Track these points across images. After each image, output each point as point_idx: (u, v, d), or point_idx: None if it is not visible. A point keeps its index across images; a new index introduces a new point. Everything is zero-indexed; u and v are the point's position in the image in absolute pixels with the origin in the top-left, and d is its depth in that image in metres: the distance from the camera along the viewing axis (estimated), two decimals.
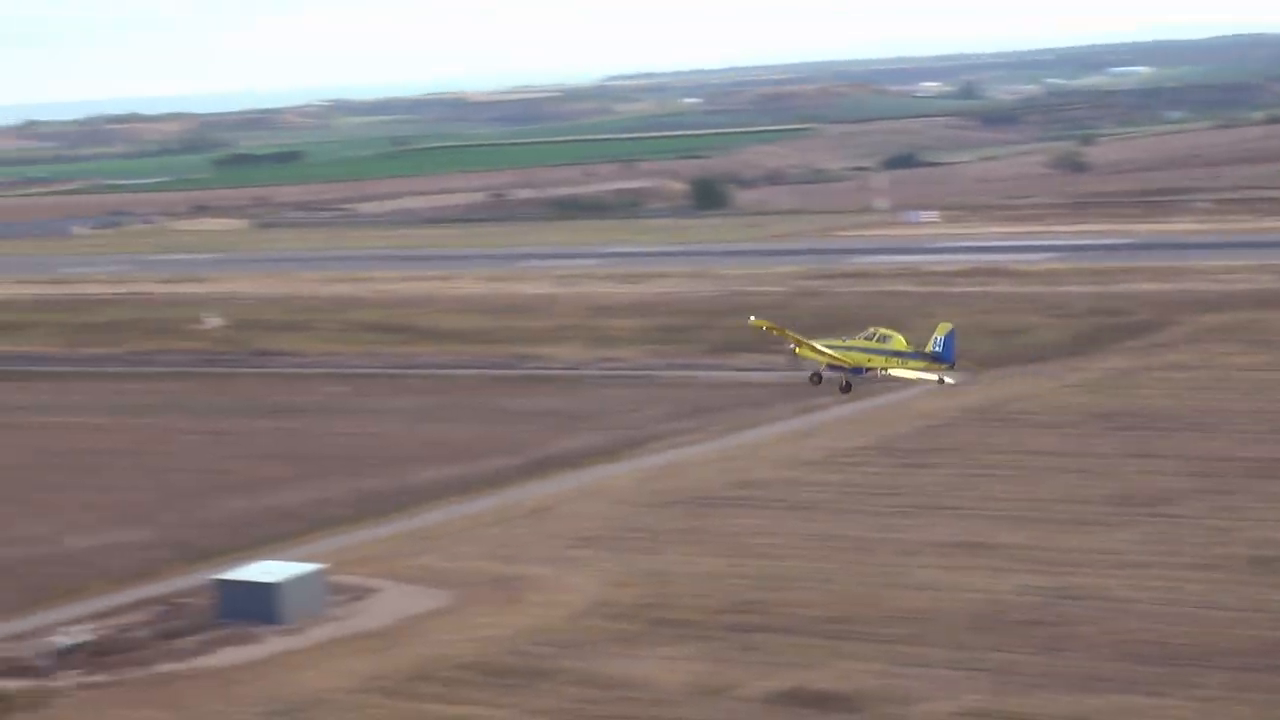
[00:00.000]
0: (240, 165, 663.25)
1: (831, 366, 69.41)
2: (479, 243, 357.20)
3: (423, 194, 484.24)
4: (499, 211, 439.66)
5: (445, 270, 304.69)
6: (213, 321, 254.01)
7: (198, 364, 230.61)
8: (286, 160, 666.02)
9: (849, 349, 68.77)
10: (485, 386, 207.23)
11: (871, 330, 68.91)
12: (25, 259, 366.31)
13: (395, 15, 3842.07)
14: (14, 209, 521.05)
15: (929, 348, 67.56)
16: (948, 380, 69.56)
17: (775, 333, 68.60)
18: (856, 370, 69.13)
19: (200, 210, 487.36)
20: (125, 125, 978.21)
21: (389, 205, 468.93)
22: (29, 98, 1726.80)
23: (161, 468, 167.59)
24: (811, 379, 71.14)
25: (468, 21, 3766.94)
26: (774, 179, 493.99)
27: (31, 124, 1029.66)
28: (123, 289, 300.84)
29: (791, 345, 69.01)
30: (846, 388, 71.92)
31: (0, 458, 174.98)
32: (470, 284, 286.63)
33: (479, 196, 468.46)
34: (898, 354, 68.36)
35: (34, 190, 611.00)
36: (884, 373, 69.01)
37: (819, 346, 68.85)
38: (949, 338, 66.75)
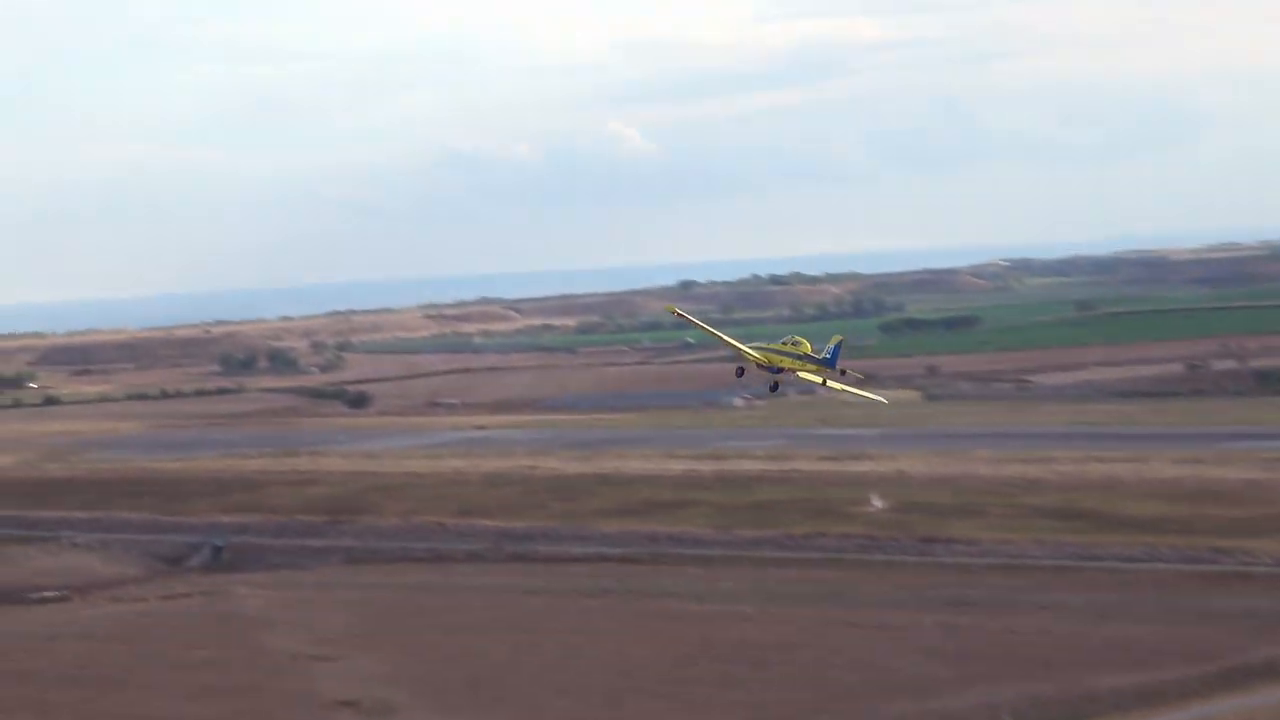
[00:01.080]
0: (910, 331, 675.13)
1: (760, 366, 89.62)
2: (1173, 420, 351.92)
3: (1110, 364, 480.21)
4: (1196, 385, 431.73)
5: (1133, 450, 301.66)
6: (877, 503, 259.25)
7: (857, 549, 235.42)
8: (959, 326, 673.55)
9: (769, 351, 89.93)
10: (1175, 582, 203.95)
11: (788, 337, 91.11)
12: (678, 431, 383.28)
13: (1081, 167, 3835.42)
14: (668, 376, 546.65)
15: (822, 355, 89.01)
16: (830, 384, 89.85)
17: (698, 328, 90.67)
18: (774, 369, 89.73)
19: (865, 380, 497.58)
20: (785, 287, 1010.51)
21: (1071, 377, 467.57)
22: (687, 256, 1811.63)
23: (817, 664, 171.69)
24: (736, 373, 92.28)
25: (1164, 173, 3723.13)
26: None
27: (688, 285, 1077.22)
28: (779, 465, 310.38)
29: (738, 351, 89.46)
30: (774, 387, 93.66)
31: (644, 649, 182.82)
32: (1162, 466, 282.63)
33: (1174, 368, 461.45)
34: (801, 357, 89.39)
35: (689, 357, 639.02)
36: (795, 375, 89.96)
37: (747, 349, 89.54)
38: (837, 347, 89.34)
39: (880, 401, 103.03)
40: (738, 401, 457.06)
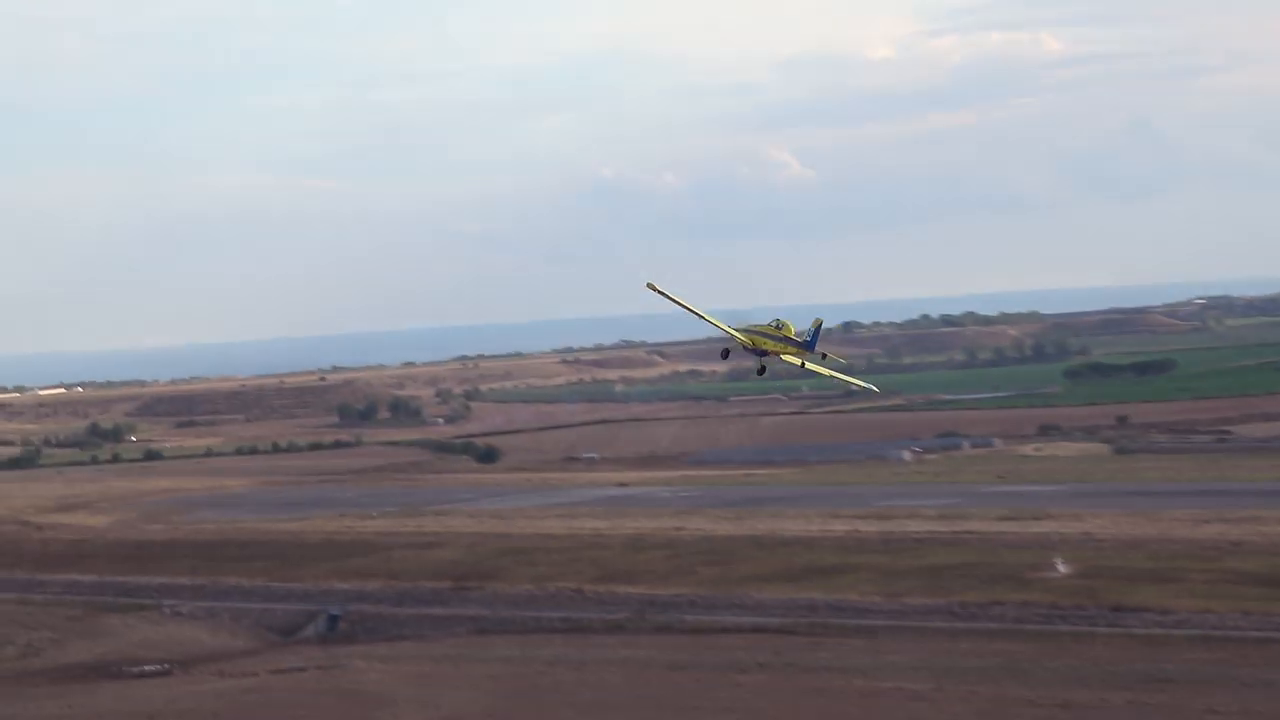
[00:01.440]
0: (1096, 376, 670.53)
1: (746, 348, 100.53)
2: None
3: None
4: None
5: None
6: (1061, 568, 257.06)
7: (1039, 619, 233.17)
8: (1152, 371, 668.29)
9: (754, 333, 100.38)
10: None
11: (775, 320, 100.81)
12: (841, 488, 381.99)
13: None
14: (828, 428, 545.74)
15: (803, 338, 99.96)
16: (810, 366, 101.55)
17: (679, 305, 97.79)
18: (760, 352, 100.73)
19: (1047, 431, 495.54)
20: (958, 329, 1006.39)
21: (1278, 427, 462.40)
22: (849, 295, 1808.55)
23: None
24: (722, 354, 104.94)
25: None
26: None
27: (850, 326, 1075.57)
28: (952, 526, 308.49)
29: (725, 333, 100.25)
30: (761, 370, 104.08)
31: None
32: None
33: None
34: (784, 340, 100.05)
35: (851, 406, 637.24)
36: (780, 358, 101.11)
37: (734, 330, 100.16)
38: (816, 330, 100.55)
39: (872, 390, 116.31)
40: (906, 455, 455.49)
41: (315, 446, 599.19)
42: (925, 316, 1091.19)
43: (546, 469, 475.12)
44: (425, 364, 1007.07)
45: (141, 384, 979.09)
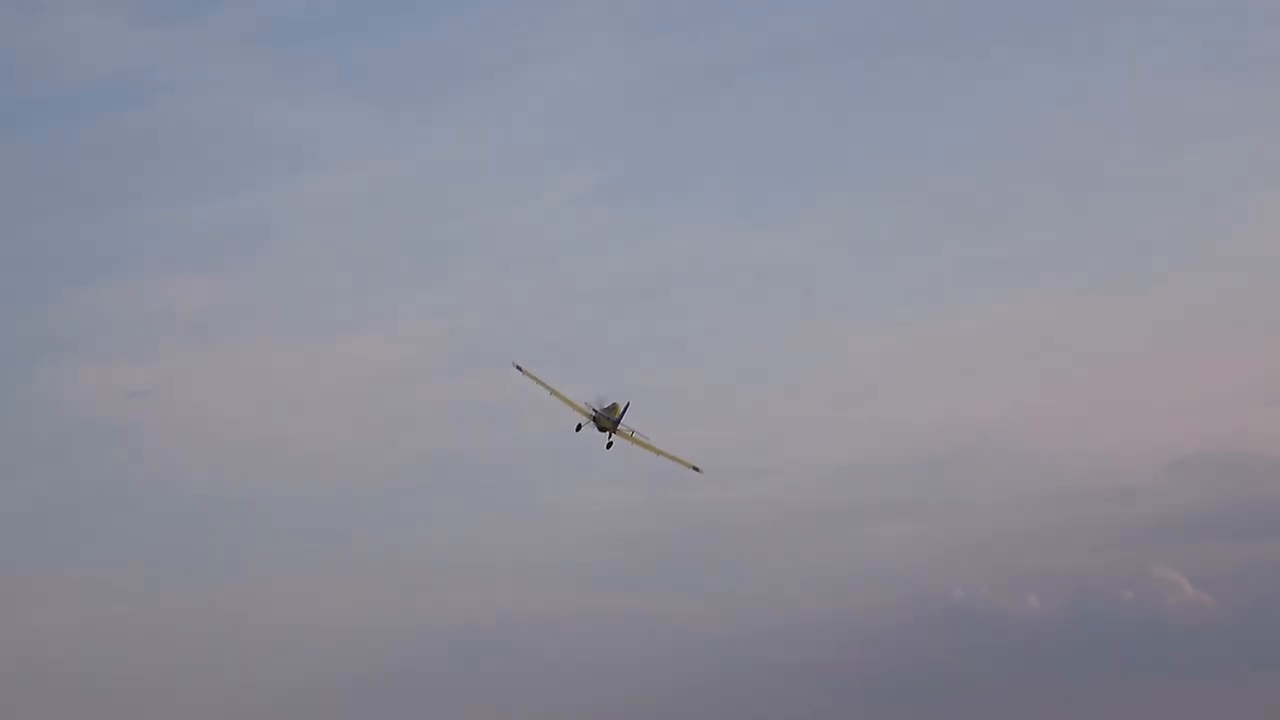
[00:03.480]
0: None
1: (596, 424, 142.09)
2: None
3: None
4: None
5: None
6: None
7: None
8: None
9: (598, 414, 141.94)
10: None
11: (611, 403, 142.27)
12: None
13: None
14: None
15: (616, 418, 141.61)
16: (614, 436, 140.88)
17: (541, 385, 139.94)
18: (602, 428, 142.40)
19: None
20: None
21: None
22: None
23: None
24: (576, 428, 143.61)
25: None
26: None
27: None
28: None
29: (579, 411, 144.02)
30: (609, 445, 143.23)
31: None
32: None
33: None
34: (611, 420, 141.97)
35: None
36: (611, 435, 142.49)
37: (586, 410, 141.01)
38: (623, 412, 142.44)
39: (692, 468, 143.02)
40: None
41: None
42: None
43: None
44: None
45: None
